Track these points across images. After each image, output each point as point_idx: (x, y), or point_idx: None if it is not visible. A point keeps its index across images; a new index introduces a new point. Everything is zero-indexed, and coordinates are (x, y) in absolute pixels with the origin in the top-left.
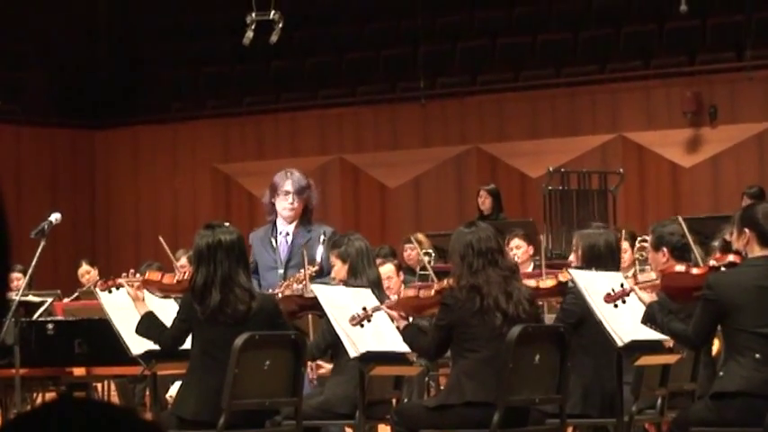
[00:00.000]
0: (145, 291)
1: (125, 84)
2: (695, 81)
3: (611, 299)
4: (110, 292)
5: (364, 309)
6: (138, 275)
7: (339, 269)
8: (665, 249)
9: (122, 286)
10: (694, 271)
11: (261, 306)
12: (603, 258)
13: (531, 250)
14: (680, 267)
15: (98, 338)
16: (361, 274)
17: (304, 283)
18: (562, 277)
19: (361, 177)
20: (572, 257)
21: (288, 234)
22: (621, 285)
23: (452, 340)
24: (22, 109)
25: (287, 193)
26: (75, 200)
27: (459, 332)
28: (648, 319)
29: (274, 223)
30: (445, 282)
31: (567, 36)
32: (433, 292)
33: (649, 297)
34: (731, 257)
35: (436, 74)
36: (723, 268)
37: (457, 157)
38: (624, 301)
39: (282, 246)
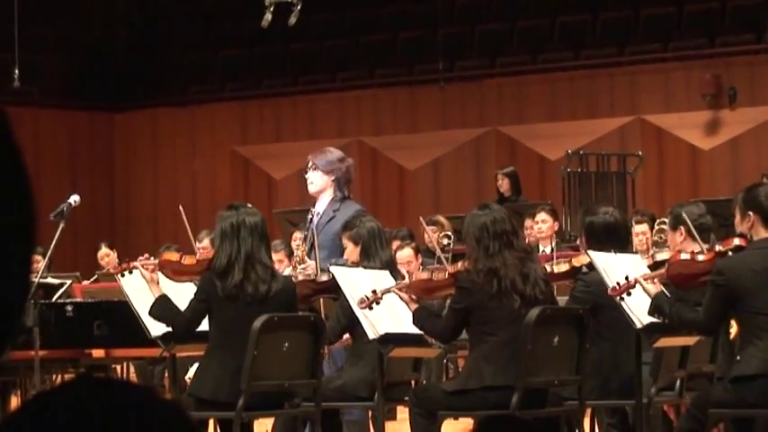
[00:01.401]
0: (160, 274)
1: (144, 66)
2: (714, 63)
3: (616, 292)
4: (123, 275)
5: (374, 291)
6: (153, 259)
7: (351, 251)
8: (682, 229)
9: (136, 268)
10: (700, 258)
11: (283, 287)
12: (604, 240)
13: (555, 226)
14: (685, 255)
15: (117, 320)
16: (373, 256)
17: (305, 265)
18: (576, 262)
19: (380, 160)
20: (579, 240)
21: (318, 213)
22: (626, 278)
23: (470, 324)
24: (40, 92)
25: (306, 168)
26: (94, 182)
27: (477, 316)
28: (656, 310)
29: (315, 202)
30: (459, 265)
31: (586, 18)
32: (446, 275)
33: (655, 288)
34: (737, 241)
35: (455, 56)
36: (730, 253)
37: (476, 139)
38: (629, 294)
39: (313, 225)
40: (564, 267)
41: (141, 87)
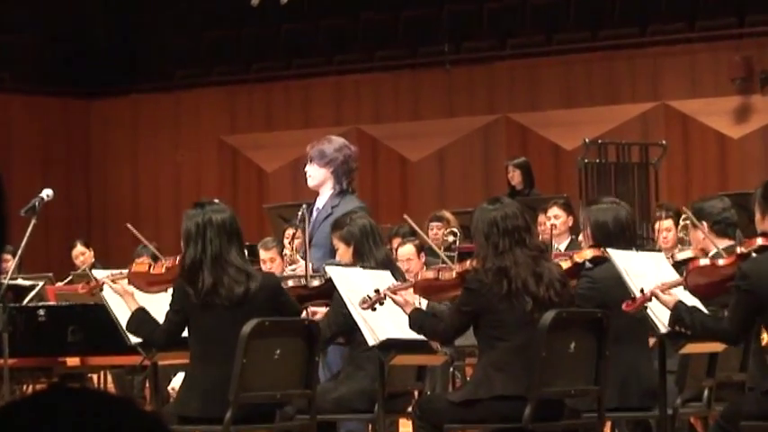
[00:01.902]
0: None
1: (123, 49)
2: (744, 44)
3: (630, 307)
4: (93, 294)
5: (377, 291)
6: (135, 260)
7: (343, 252)
8: (705, 225)
9: (106, 285)
10: (721, 262)
11: (261, 286)
12: (614, 236)
13: (570, 221)
14: (704, 261)
15: (93, 325)
16: (367, 255)
17: (295, 266)
18: (578, 258)
19: (380, 150)
20: (581, 237)
21: (318, 209)
22: (642, 291)
23: (479, 328)
24: (11, 76)
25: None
26: (69, 175)
27: (486, 319)
28: (676, 321)
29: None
30: (468, 263)
31: None
32: (454, 275)
33: (672, 299)
34: (760, 241)
35: (462, 37)
36: (753, 254)
37: (484, 127)
38: (645, 308)
39: (312, 222)
40: (565, 265)
41: (120, 71)
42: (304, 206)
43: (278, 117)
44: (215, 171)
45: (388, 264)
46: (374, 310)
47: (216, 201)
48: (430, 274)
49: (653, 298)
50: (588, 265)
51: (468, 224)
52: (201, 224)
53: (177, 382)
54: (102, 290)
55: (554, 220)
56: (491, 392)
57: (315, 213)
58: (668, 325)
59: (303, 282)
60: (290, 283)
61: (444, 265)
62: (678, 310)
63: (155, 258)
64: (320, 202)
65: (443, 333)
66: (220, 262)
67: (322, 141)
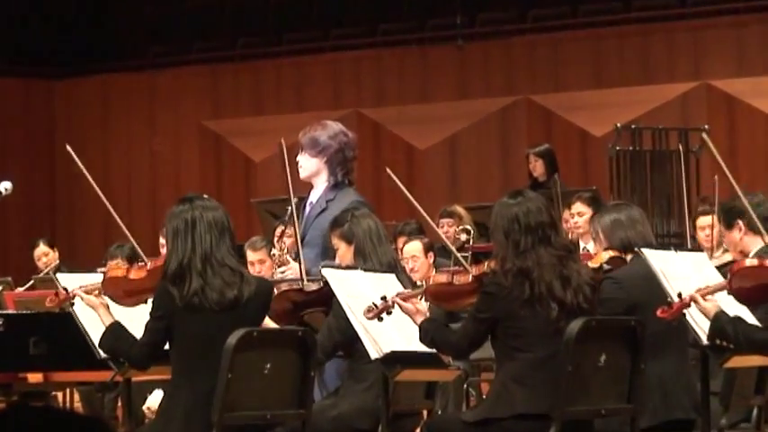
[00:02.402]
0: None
1: (91, 23)
2: None
3: (667, 314)
4: (62, 309)
5: (384, 298)
6: (104, 263)
7: (344, 253)
8: (740, 223)
9: (78, 297)
10: None
11: (256, 291)
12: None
13: None
14: (751, 261)
15: (58, 337)
16: (371, 256)
17: (285, 268)
18: (594, 263)
19: (384, 136)
20: (594, 248)
21: (311, 203)
22: (680, 296)
23: (496, 337)
24: None
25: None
26: (31, 165)
27: (506, 327)
28: (717, 334)
29: (311, 189)
30: (485, 265)
31: None
32: (470, 279)
33: (713, 307)
34: None
35: (477, 8)
36: None
37: (502, 111)
38: (684, 315)
39: (304, 217)
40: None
41: (88, 48)
42: (294, 200)
43: (267, 100)
44: (196, 161)
45: (394, 266)
46: (381, 320)
47: (205, 196)
48: (443, 278)
49: (692, 303)
50: (606, 266)
51: (483, 221)
52: (190, 220)
53: (154, 400)
54: (73, 304)
55: (577, 217)
56: (511, 410)
57: (308, 208)
58: (708, 339)
59: (299, 285)
60: (284, 286)
61: (458, 268)
62: (719, 320)
63: (131, 260)
64: (314, 196)
65: (457, 345)
66: (211, 261)
67: (315, 127)
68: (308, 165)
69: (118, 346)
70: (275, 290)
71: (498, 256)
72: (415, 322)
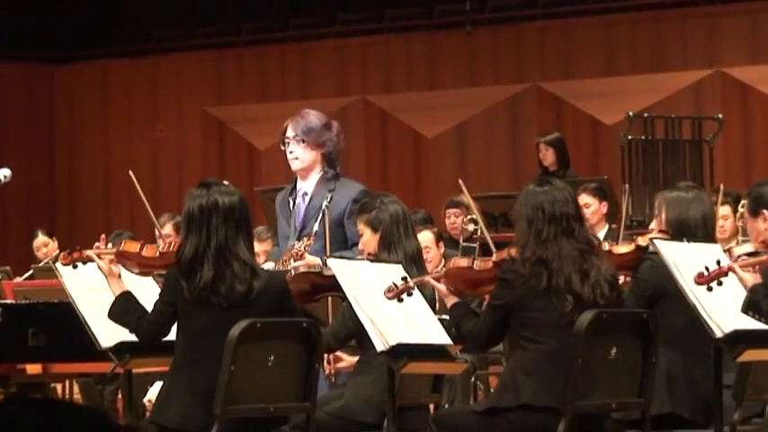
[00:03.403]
0: (120, 266)
1: (93, 7)
2: None
3: (703, 279)
4: (74, 267)
5: (404, 279)
6: (110, 246)
7: (368, 240)
8: (765, 213)
9: (91, 260)
10: None
11: (266, 286)
12: (693, 230)
13: (603, 208)
14: None
15: (58, 327)
16: (396, 246)
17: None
18: (643, 241)
19: (391, 124)
20: (653, 224)
21: (306, 194)
22: (718, 263)
23: (509, 326)
24: None
25: (287, 138)
26: (30, 153)
27: (518, 316)
28: (751, 306)
29: (295, 181)
30: (506, 252)
31: None
32: (490, 264)
33: (753, 278)
34: None
35: None
36: None
37: (511, 98)
38: (720, 283)
39: (300, 209)
40: (625, 249)
41: (89, 33)
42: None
43: (272, 86)
44: (199, 148)
45: (417, 259)
46: (401, 301)
47: (225, 182)
48: (464, 262)
49: (729, 272)
50: (651, 248)
51: (491, 210)
52: (206, 207)
53: (155, 393)
54: (86, 262)
55: (584, 208)
56: (517, 399)
57: (301, 200)
58: (741, 310)
59: (318, 268)
60: (303, 268)
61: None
62: (756, 293)
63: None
64: (307, 187)
65: (476, 334)
66: (225, 254)
67: (305, 118)
68: (306, 157)
69: (126, 317)
70: (293, 271)
71: (519, 243)
72: (447, 303)
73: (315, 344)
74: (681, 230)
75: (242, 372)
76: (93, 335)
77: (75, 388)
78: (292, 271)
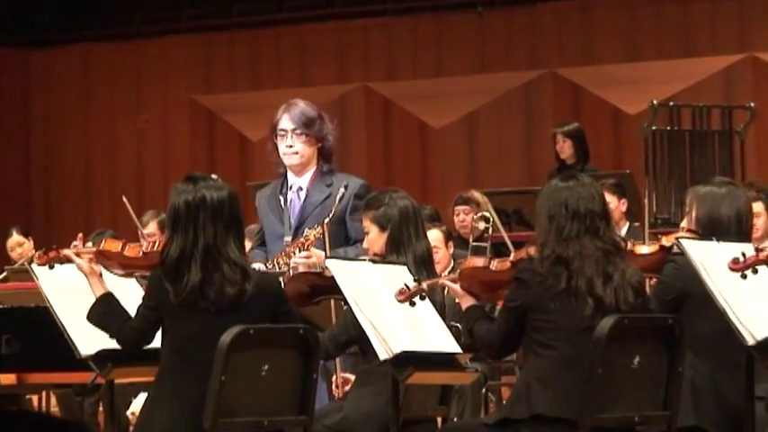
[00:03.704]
0: (101, 266)
1: None
2: None
3: (739, 266)
4: (51, 267)
5: (418, 281)
6: (90, 246)
7: (375, 238)
8: None
9: (69, 259)
10: None
11: (259, 289)
12: (726, 229)
13: (623, 206)
14: None
15: (34, 333)
16: (405, 247)
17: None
18: (667, 241)
19: (395, 114)
20: (684, 222)
21: (300, 189)
22: (757, 250)
23: (524, 332)
24: None
25: (283, 131)
26: (3, 144)
27: (532, 319)
28: None
29: (285, 176)
30: (524, 252)
31: None
32: (508, 265)
33: None
34: None
35: None
36: None
37: (525, 85)
38: (756, 271)
39: (294, 205)
40: (648, 249)
41: (68, 15)
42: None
43: (266, 73)
44: (186, 140)
45: (427, 261)
46: (413, 305)
47: (213, 176)
48: (479, 262)
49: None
50: (676, 249)
51: (504, 207)
52: (193, 204)
53: (138, 405)
54: (63, 262)
55: None
56: (530, 410)
57: (296, 196)
58: None
59: (319, 268)
60: (302, 268)
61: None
62: None
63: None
64: (301, 183)
65: (489, 340)
66: (213, 255)
67: (299, 108)
68: (307, 151)
69: (107, 321)
70: (291, 272)
71: (538, 241)
72: (462, 304)
73: (312, 352)
74: (712, 229)
75: (234, 382)
76: (72, 342)
77: (53, 400)
78: (291, 271)
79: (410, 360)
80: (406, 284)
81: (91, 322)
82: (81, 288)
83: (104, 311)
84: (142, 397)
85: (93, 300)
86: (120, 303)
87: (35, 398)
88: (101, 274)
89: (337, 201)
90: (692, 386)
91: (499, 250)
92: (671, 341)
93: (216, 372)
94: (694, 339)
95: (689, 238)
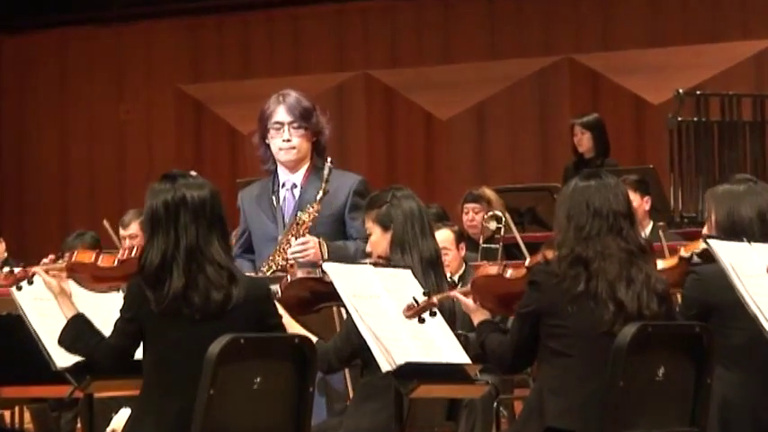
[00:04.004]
0: (71, 282)
1: None
2: None
3: None
4: (18, 288)
5: (427, 294)
6: (65, 256)
7: (378, 240)
8: None
9: (38, 276)
10: None
11: (247, 294)
12: (749, 230)
13: (646, 204)
14: None
15: (6, 344)
16: (410, 247)
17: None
18: (685, 252)
19: (398, 104)
20: (705, 229)
21: (295, 186)
22: None
23: (538, 339)
24: None
25: (279, 124)
26: None
27: (547, 324)
28: None
29: (275, 173)
30: (540, 255)
31: None
32: (524, 271)
33: None
34: None
35: None
36: None
37: (540, 73)
38: None
39: (288, 204)
40: (667, 264)
41: None
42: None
43: (257, 60)
44: (171, 132)
45: (436, 263)
46: (422, 321)
47: (193, 173)
48: (492, 270)
49: None
50: (696, 260)
51: (517, 206)
52: (173, 204)
53: (119, 421)
54: (31, 282)
55: None
56: (542, 423)
57: (290, 193)
58: None
59: (319, 272)
60: (300, 274)
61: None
62: None
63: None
64: (296, 179)
65: (501, 354)
66: (196, 257)
67: (285, 98)
68: (304, 146)
69: (81, 343)
70: (288, 277)
71: (556, 242)
72: (474, 319)
73: (309, 363)
74: (734, 231)
75: (223, 396)
76: (48, 353)
77: (27, 415)
78: (289, 277)
79: (415, 372)
80: (414, 299)
81: (63, 347)
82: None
83: (77, 333)
84: (123, 412)
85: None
86: (91, 323)
87: (7, 413)
88: (70, 294)
89: (324, 182)
90: (722, 401)
91: (511, 252)
92: (698, 351)
93: (204, 385)
94: (725, 352)
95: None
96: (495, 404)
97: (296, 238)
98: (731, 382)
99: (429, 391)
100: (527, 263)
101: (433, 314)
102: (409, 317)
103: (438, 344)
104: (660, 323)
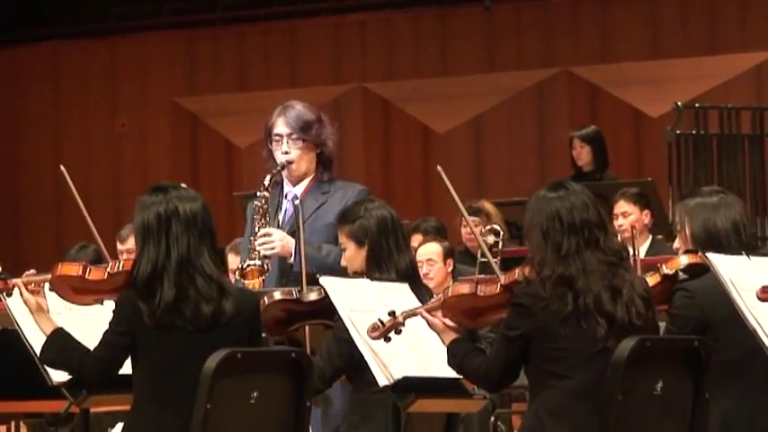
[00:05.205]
0: (54, 295)
1: None
2: None
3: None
4: (9, 295)
5: (392, 314)
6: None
7: (353, 255)
8: None
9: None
10: None
11: (239, 307)
12: (726, 242)
13: (646, 218)
14: None
15: (2, 359)
16: (387, 263)
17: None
18: (668, 268)
19: (394, 117)
20: (676, 243)
21: (296, 197)
22: None
23: (530, 362)
24: None
25: (278, 136)
26: None
27: (541, 348)
28: None
29: (281, 184)
30: (517, 272)
31: None
32: (498, 289)
33: None
34: None
35: None
36: None
37: (538, 86)
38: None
39: (287, 214)
40: (651, 281)
41: (37, 10)
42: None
43: (254, 72)
44: (167, 146)
45: (412, 275)
46: (388, 340)
47: (183, 185)
48: (465, 288)
49: None
50: (682, 276)
51: (515, 219)
52: (165, 216)
53: None
54: (10, 294)
55: (621, 218)
56: None
57: (290, 204)
58: None
59: (296, 294)
60: (278, 295)
61: (483, 276)
62: None
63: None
64: (297, 191)
65: (487, 374)
66: (187, 268)
67: (292, 107)
68: (304, 159)
69: (65, 357)
70: (266, 299)
71: (534, 260)
72: (443, 341)
73: (306, 377)
74: (710, 243)
75: (220, 411)
76: (44, 367)
77: (23, 430)
78: (266, 299)
79: (412, 386)
80: (380, 319)
81: (46, 364)
82: (53, 309)
83: (60, 349)
84: (119, 427)
85: (70, 322)
86: (72, 337)
87: (3, 429)
88: (48, 309)
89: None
90: (722, 416)
91: (509, 266)
92: (697, 365)
93: (200, 400)
94: (723, 368)
95: (694, 265)
96: (493, 418)
97: (257, 241)
98: (732, 397)
99: (426, 406)
100: (503, 280)
101: (398, 332)
102: (375, 338)
103: (435, 358)
104: (658, 337)
